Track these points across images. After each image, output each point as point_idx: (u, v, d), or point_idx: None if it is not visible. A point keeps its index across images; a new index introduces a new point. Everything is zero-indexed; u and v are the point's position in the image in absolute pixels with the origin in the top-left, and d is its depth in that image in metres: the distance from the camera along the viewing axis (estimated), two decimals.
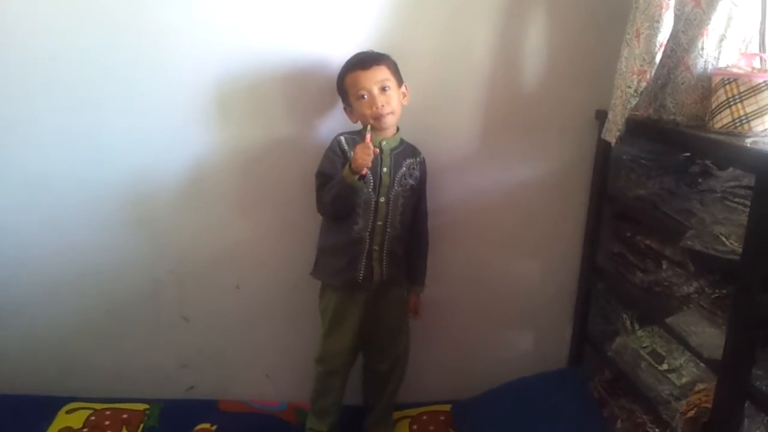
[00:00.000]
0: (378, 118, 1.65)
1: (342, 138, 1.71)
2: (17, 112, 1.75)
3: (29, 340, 1.94)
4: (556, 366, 2.12)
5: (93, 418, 1.86)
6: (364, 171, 1.60)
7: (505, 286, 2.07)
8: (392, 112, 1.67)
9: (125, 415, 1.88)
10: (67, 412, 1.88)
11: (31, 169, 1.80)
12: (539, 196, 2.00)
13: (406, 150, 1.76)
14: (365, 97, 1.64)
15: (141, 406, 1.93)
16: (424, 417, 2.01)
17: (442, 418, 2.00)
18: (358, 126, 1.74)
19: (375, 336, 1.86)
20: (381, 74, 1.65)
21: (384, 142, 1.71)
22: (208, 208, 1.89)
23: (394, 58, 1.71)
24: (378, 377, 1.91)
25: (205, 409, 1.94)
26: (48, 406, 1.89)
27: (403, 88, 1.72)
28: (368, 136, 1.62)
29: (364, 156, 1.58)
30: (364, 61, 1.65)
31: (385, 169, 1.71)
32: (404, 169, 1.74)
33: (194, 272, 1.94)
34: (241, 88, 1.79)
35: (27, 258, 1.88)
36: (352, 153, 1.64)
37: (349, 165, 1.61)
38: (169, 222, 1.89)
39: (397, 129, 1.75)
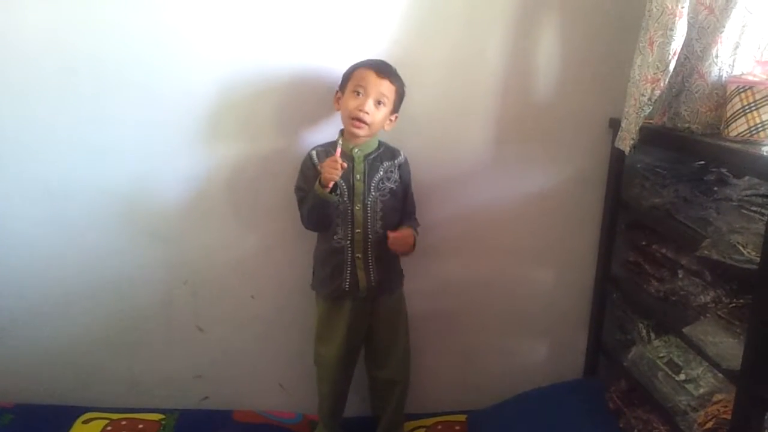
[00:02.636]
0: (355, 119, 1.65)
1: (314, 152, 1.72)
2: (35, 125, 1.78)
3: (45, 350, 1.96)
4: (572, 376, 2.11)
5: (109, 428, 1.88)
6: (330, 184, 1.60)
7: (519, 296, 2.07)
8: (369, 125, 1.65)
9: (141, 426, 1.89)
10: (84, 422, 1.89)
11: (48, 181, 1.83)
12: (553, 205, 1.99)
13: (384, 154, 1.75)
14: (360, 94, 1.64)
15: (156, 417, 1.94)
16: (439, 427, 2.01)
17: (457, 428, 2.00)
18: (333, 136, 1.75)
19: (372, 344, 1.86)
20: (386, 89, 1.65)
21: (356, 150, 1.71)
22: (222, 219, 1.90)
23: (408, 67, 1.72)
24: (380, 385, 1.91)
25: (220, 419, 1.95)
26: (64, 416, 1.91)
27: (392, 116, 1.72)
28: (338, 150, 1.62)
29: (330, 170, 1.59)
30: (382, 68, 1.66)
31: (358, 176, 1.71)
32: (381, 173, 1.73)
33: (209, 283, 1.95)
34: (254, 101, 1.80)
35: (43, 269, 1.90)
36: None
37: (319, 179, 1.62)
38: (183, 233, 1.90)
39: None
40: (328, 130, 1.82)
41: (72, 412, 1.92)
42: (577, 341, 2.12)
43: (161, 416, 1.94)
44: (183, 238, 1.91)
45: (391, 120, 1.72)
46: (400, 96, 1.70)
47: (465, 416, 2.03)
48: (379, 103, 1.65)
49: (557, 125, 1.92)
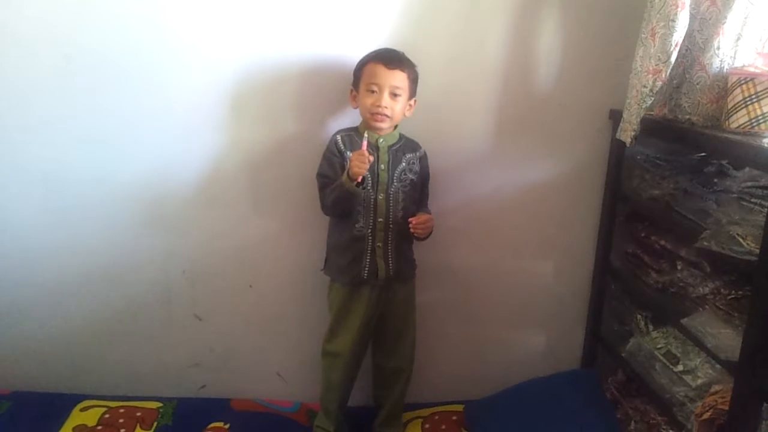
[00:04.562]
0: (375, 115, 1.66)
1: (338, 137, 1.72)
2: (34, 115, 1.77)
3: (44, 338, 1.95)
4: (569, 367, 2.12)
5: (107, 415, 1.87)
6: (360, 178, 1.61)
7: (517, 286, 2.07)
8: (390, 117, 1.68)
9: (139, 413, 1.89)
10: (82, 410, 1.89)
11: (45, 170, 1.82)
12: (552, 196, 1.99)
13: (406, 145, 1.76)
14: (374, 92, 1.66)
15: (155, 405, 1.94)
16: (436, 417, 2.01)
17: (454, 418, 2.00)
18: (353, 121, 1.76)
19: (382, 332, 1.87)
20: (399, 80, 1.66)
21: (381, 140, 1.72)
22: (221, 208, 1.90)
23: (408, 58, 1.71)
24: (386, 374, 1.91)
25: (218, 407, 1.95)
26: (62, 403, 1.91)
27: (411, 101, 1.73)
28: (364, 143, 1.62)
29: (359, 164, 1.59)
30: (391, 59, 1.66)
31: (382, 166, 1.71)
32: (404, 164, 1.74)
33: (207, 271, 1.95)
34: (253, 90, 1.80)
35: (41, 258, 1.89)
36: (349, 153, 1.66)
37: (347, 172, 1.62)
38: (182, 222, 1.90)
39: (395, 125, 1.76)
40: (333, 122, 1.83)
41: (70, 400, 1.92)
42: (575, 332, 2.12)
43: (159, 404, 1.94)
44: (181, 228, 1.91)
45: (410, 105, 1.74)
46: (414, 81, 1.71)
47: (462, 406, 2.04)
48: (394, 95, 1.66)
49: (557, 116, 1.92)
